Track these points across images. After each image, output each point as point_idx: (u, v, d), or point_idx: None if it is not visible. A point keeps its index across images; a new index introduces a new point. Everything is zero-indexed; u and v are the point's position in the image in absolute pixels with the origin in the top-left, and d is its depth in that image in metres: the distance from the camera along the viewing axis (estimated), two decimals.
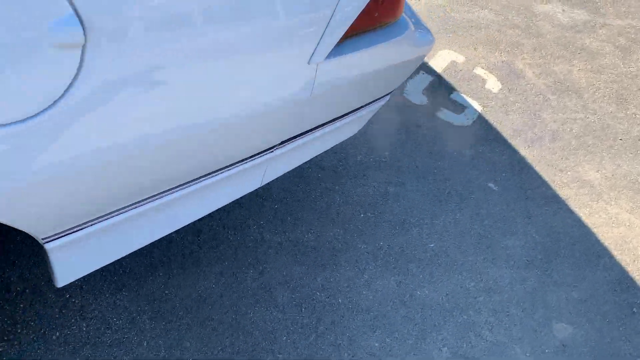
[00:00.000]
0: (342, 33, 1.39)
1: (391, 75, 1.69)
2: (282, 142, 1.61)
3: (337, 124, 1.70)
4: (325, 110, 1.58)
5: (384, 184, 2.56)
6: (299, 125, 1.55)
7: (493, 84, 3.18)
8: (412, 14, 1.74)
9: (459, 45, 3.33)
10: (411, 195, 2.55)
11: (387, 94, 1.82)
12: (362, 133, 2.72)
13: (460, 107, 3.00)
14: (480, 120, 2.98)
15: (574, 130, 3.08)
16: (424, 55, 1.74)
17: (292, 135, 1.59)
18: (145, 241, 1.65)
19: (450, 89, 3.08)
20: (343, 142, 2.64)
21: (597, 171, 2.91)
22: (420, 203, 2.53)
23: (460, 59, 3.26)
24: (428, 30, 1.75)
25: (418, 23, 1.70)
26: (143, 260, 2.07)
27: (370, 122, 2.77)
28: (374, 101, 1.76)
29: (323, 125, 1.67)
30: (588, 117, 3.17)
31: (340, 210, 2.42)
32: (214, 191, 1.67)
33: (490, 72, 3.24)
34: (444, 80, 3.12)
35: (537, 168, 2.84)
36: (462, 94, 3.07)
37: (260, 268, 2.16)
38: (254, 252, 2.19)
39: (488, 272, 2.39)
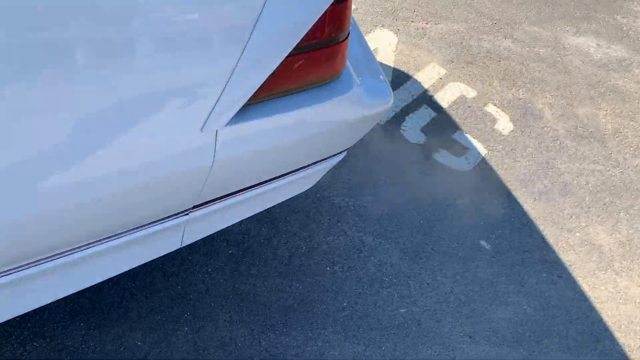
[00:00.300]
0: (247, 97, 1.08)
1: (333, 138, 1.37)
2: (197, 206, 1.32)
3: (272, 185, 1.39)
4: (246, 175, 1.28)
5: (360, 234, 2.23)
6: (211, 191, 1.25)
7: (504, 125, 2.80)
8: (370, 64, 1.40)
9: (472, 78, 2.95)
10: (389, 249, 2.21)
11: (341, 152, 1.50)
12: (344, 172, 2.39)
13: (462, 149, 2.64)
14: (483, 165, 2.61)
15: (589, 184, 2.67)
16: (379, 114, 1.41)
17: (206, 200, 1.29)
18: (37, 304, 1.38)
19: (454, 127, 2.72)
20: (320, 181, 2.32)
21: (611, 235, 2.51)
22: (397, 259, 2.19)
23: (471, 93, 2.89)
24: (386, 86, 1.41)
25: (374, 77, 1.37)
26: (65, 305, 1.81)
27: (355, 159, 2.44)
28: (320, 161, 1.44)
29: (253, 186, 1.36)
30: (608, 170, 2.76)
31: (304, 261, 2.10)
32: (120, 253, 1.38)
33: (503, 111, 2.86)
34: (449, 116, 2.76)
35: (541, 226, 2.46)
36: (467, 134, 2.70)
37: (198, 325, 1.87)
38: (194, 305, 1.90)
39: (464, 347, 2.04)
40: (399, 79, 2.80)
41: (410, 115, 2.69)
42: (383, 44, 2.93)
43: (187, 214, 1.34)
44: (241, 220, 2.12)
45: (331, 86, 1.24)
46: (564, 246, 2.41)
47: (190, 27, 0.97)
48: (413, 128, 2.64)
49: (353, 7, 3.05)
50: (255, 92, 1.10)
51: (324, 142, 1.35)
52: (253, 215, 2.14)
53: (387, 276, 2.13)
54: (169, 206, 1.25)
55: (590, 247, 2.44)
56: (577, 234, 2.47)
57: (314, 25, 1.10)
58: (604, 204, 2.61)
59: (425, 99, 2.78)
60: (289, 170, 1.35)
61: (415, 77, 2.85)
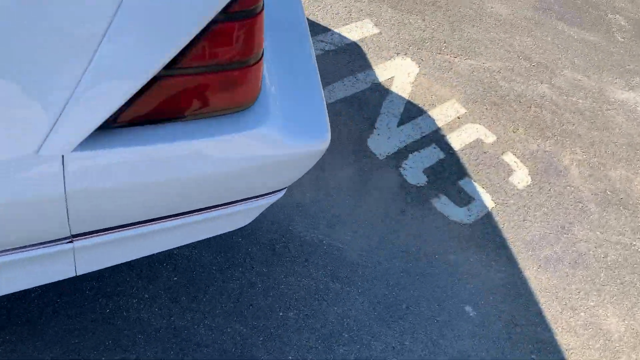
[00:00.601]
0: (100, 119, 0.86)
1: (246, 178, 1.11)
2: (80, 235, 1.09)
3: (182, 221, 1.15)
4: (131, 208, 1.04)
5: (327, 278, 1.96)
6: (88, 221, 1.02)
7: (521, 178, 2.46)
8: (309, 94, 1.14)
9: (494, 121, 2.63)
10: (357, 301, 1.92)
11: (275, 192, 1.24)
12: (324, 205, 2.13)
13: (466, 198, 2.32)
14: (487, 220, 2.29)
15: (608, 258, 2.30)
16: (307, 157, 1.14)
17: (89, 230, 1.06)
18: None
19: (462, 173, 2.41)
20: (293, 213, 2.07)
21: (623, 320, 2.14)
22: (364, 313, 1.91)
23: (490, 138, 2.57)
24: (321, 124, 1.13)
25: (307, 111, 1.11)
26: None
27: (339, 193, 2.17)
28: (242, 200, 1.19)
29: (157, 220, 1.13)
30: (634, 244, 2.38)
31: (256, 301, 1.85)
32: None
33: (523, 162, 2.52)
34: (459, 160, 2.45)
35: (541, 298, 2.12)
36: (475, 182, 2.39)
37: (117, 357, 1.64)
38: (119, 333, 1.68)
39: None
40: (410, 112, 2.52)
41: (415, 153, 2.40)
42: (401, 74, 2.65)
43: (71, 242, 1.12)
44: (194, 246, 1.90)
45: (236, 118, 0.99)
46: (563, 326, 2.06)
47: (16, 24, 0.75)
48: (415, 167, 2.35)
49: (376, 31, 2.80)
50: (123, 115, 0.88)
51: (235, 181, 1.10)
52: (208, 242, 1.92)
53: (347, 332, 1.85)
54: (36, 232, 1.03)
55: (596, 332, 2.08)
56: (582, 314, 2.11)
57: (202, 42, 0.87)
58: (622, 283, 2.24)
59: (436, 137, 2.49)
60: (193, 209, 1.12)
61: (429, 112, 2.56)
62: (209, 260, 1.88)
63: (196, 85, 0.92)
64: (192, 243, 1.90)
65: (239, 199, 1.16)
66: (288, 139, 1.06)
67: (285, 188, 1.26)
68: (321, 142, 1.12)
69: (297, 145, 1.08)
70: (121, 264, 1.81)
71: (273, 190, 1.21)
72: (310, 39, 1.25)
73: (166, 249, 1.29)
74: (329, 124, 1.13)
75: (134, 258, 1.26)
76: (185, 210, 1.11)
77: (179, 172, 1.00)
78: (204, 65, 0.91)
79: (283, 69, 1.14)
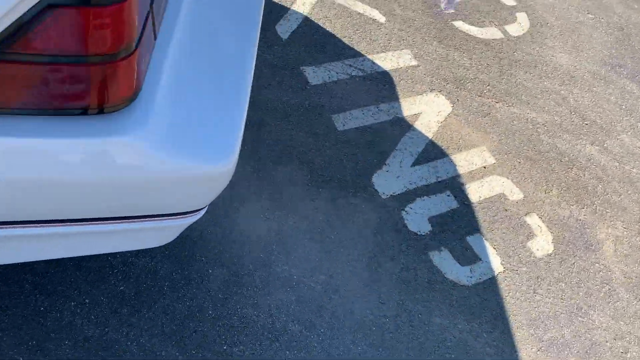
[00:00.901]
0: None
1: (120, 193, 0.95)
2: None
3: (58, 229, 1.01)
4: None
5: (287, 318, 1.77)
6: None
7: (541, 245, 2.17)
8: (222, 109, 0.97)
9: (525, 178, 2.35)
10: (313, 349, 1.71)
11: (185, 213, 1.08)
12: (308, 238, 1.94)
13: (472, 257, 2.06)
14: (489, 285, 2.02)
15: (628, 355, 1.96)
16: (202, 180, 0.96)
17: None
18: None
19: (473, 228, 2.15)
20: (271, 241, 1.90)
21: None
22: None
23: (516, 195, 2.29)
24: (229, 145, 0.95)
25: (217, 126, 0.94)
26: None
27: (326, 227, 1.98)
28: (136, 218, 1.03)
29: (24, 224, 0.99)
30: None
31: (201, 329, 1.69)
32: None
33: (549, 228, 2.23)
34: (473, 214, 2.19)
35: None
36: (486, 241, 2.12)
37: (37, 359, 1.54)
38: (46, 334, 1.57)
39: None
40: (429, 153, 2.30)
41: (424, 198, 2.17)
42: (430, 111, 2.44)
43: None
44: (154, 255, 1.78)
45: (99, 121, 0.85)
46: None
47: None
48: (420, 214, 2.12)
49: (414, 63, 2.60)
50: None
51: (100, 194, 0.94)
52: (170, 254, 1.79)
53: None
54: None
55: None
56: None
57: (41, 27, 0.74)
58: None
59: (453, 185, 2.25)
60: (54, 218, 0.97)
61: (452, 157, 2.32)
62: (164, 274, 1.74)
63: (37, 77, 0.80)
64: (152, 253, 1.79)
65: (125, 215, 1.01)
66: (164, 155, 0.90)
67: (199, 210, 1.11)
68: (218, 165, 0.95)
69: (178, 163, 0.92)
70: (69, 262, 1.72)
71: (177, 211, 1.05)
72: (257, 42, 1.10)
73: (53, 257, 1.16)
74: (238, 145, 0.97)
75: (17, 261, 1.14)
76: (47, 219, 0.97)
77: (12, 172, 0.86)
78: (47, 55, 0.78)
79: (197, 70, 0.99)
